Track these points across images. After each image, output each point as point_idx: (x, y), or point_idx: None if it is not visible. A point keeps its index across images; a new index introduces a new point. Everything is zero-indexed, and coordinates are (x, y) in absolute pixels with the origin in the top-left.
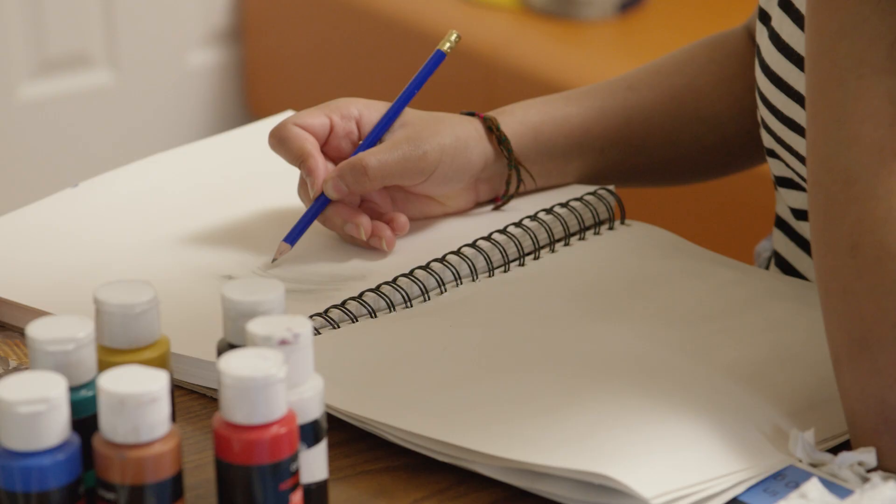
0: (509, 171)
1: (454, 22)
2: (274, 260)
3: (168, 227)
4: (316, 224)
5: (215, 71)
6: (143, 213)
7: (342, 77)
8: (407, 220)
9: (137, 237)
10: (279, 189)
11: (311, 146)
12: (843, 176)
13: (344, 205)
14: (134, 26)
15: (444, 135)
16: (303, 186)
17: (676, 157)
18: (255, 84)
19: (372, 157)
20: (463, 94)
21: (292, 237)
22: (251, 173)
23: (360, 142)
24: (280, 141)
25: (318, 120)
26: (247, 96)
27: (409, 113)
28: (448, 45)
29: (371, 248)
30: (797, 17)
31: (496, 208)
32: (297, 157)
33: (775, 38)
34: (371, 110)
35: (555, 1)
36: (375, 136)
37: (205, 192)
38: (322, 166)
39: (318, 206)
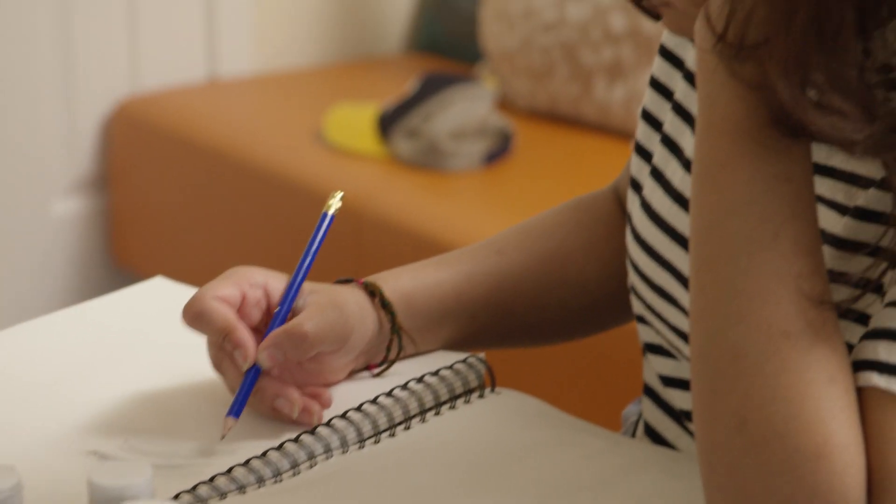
0: (391, 337)
1: (322, 172)
2: (223, 437)
3: (33, 402)
4: (188, 398)
5: (80, 220)
6: (4, 387)
7: (210, 227)
8: (331, 394)
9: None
10: (146, 360)
11: (234, 318)
12: (732, 352)
13: (273, 377)
14: None
15: (350, 302)
16: (225, 359)
17: (545, 319)
18: (120, 234)
19: (308, 322)
20: (331, 246)
21: (235, 410)
22: (119, 344)
23: (275, 310)
24: (198, 316)
25: (231, 290)
26: (112, 246)
27: (307, 284)
28: (334, 206)
29: (296, 423)
30: (668, 189)
31: (376, 375)
32: (220, 330)
33: (647, 207)
34: (275, 279)
35: (422, 152)
36: (290, 304)
37: (71, 363)
38: (250, 337)
39: (253, 377)
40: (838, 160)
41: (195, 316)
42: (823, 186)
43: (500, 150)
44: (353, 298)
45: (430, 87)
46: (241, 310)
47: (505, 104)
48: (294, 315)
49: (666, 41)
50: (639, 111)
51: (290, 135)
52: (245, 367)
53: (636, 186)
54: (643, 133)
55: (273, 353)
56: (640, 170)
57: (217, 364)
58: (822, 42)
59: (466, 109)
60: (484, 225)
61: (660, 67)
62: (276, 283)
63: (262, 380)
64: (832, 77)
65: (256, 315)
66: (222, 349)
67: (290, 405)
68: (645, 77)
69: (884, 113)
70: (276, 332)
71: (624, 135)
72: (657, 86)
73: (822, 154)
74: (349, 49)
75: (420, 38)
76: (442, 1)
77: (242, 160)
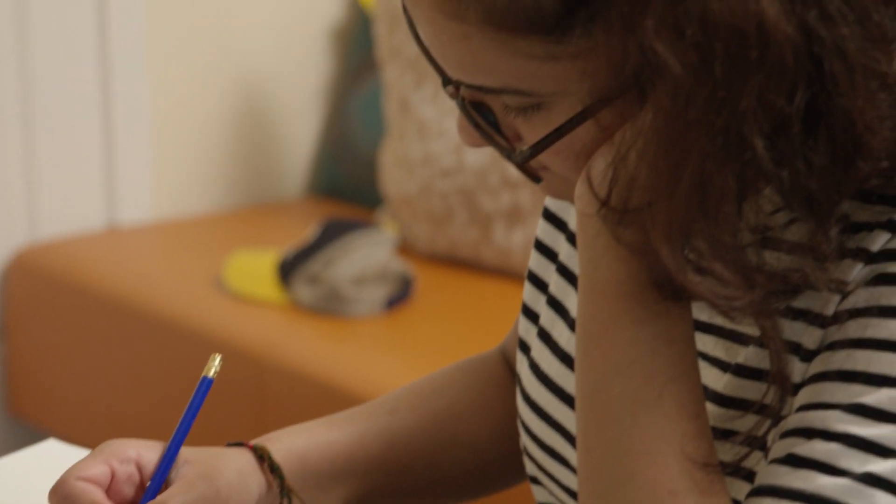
0: (281, 500)
1: (223, 320)
2: None
3: None
4: None
5: None
6: None
7: (109, 378)
8: None
9: None
10: None
11: (101, 498)
12: None
13: None
14: None
15: (228, 470)
16: None
17: (439, 479)
18: (16, 385)
19: (174, 499)
20: (233, 394)
21: None
22: None
23: (148, 483)
24: (64, 499)
25: (98, 469)
26: (7, 397)
27: (186, 450)
28: (214, 370)
29: None
30: (556, 350)
31: None
32: None
33: (535, 369)
34: (148, 451)
35: (323, 298)
36: (161, 477)
37: None
38: None
39: None
40: (719, 318)
41: (61, 499)
42: (705, 343)
43: (401, 296)
44: (234, 465)
45: (331, 233)
46: (111, 487)
47: (405, 249)
48: (168, 487)
49: (549, 204)
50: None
51: (190, 282)
52: None
53: (524, 348)
54: (529, 295)
55: None
56: (528, 331)
57: None
58: (704, 209)
59: (367, 255)
60: (387, 371)
61: (543, 230)
62: (151, 454)
63: None
64: (713, 244)
65: (129, 491)
66: None
67: None
68: None
69: (762, 280)
70: None
71: (522, 278)
72: (541, 248)
73: (703, 311)
74: (250, 194)
75: (320, 183)
76: (342, 146)
77: (142, 309)
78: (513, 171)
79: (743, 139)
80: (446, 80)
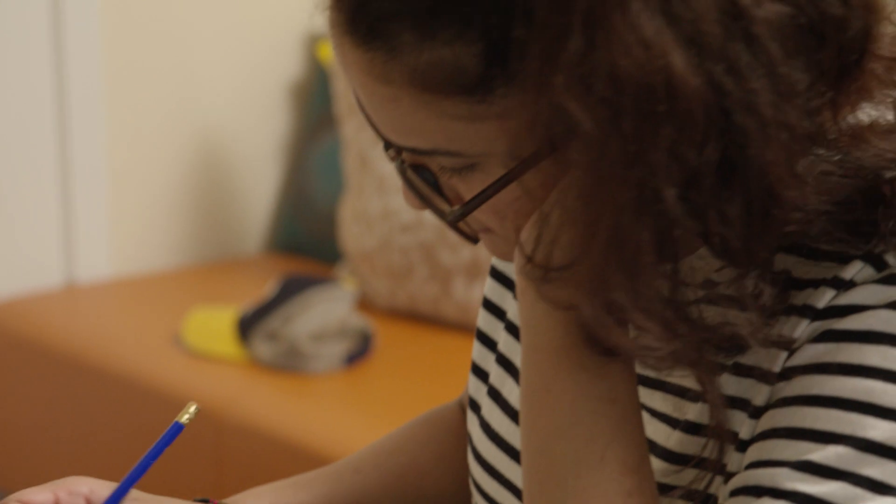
0: None
1: (182, 377)
2: None
3: None
4: None
5: None
6: None
7: (68, 436)
8: None
9: None
10: None
11: None
12: None
13: None
14: None
15: None
16: None
17: None
18: None
19: None
20: (192, 451)
21: None
22: None
23: None
24: None
25: (42, 496)
26: None
27: (137, 492)
28: (187, 416)
29: None
30: (506, 408)
31: None
32: None
33: (486, 427)
34: (102, 488)
35: (282, 355)
36: None
37: None
38: None
39: None
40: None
41: None
42: (654, 399)
43: (360, 352)
44: None
45: (290, 289)
46: None
47: (365, 304)
48: None
49: (496, 262)
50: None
51: (149, 339)
52: None
53: (474, 406)
54: (478, 353)
55: None
56: (478, 389)
57: None
58: (622, 262)
59: (326, 311)
60: (346, 428)
61: (491, 288)
62: (104, 491)
63: None
64: (633, 296)
65: None
66: None
67: None
68: None
69: (685, 331)
70: None
71: None
72: (489, 306)
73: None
74: (208, 250)
75: (279, 239)
76: (301, 201)
77: (101, 366)
78: None
79: (656, 192)
80: (387, 144)
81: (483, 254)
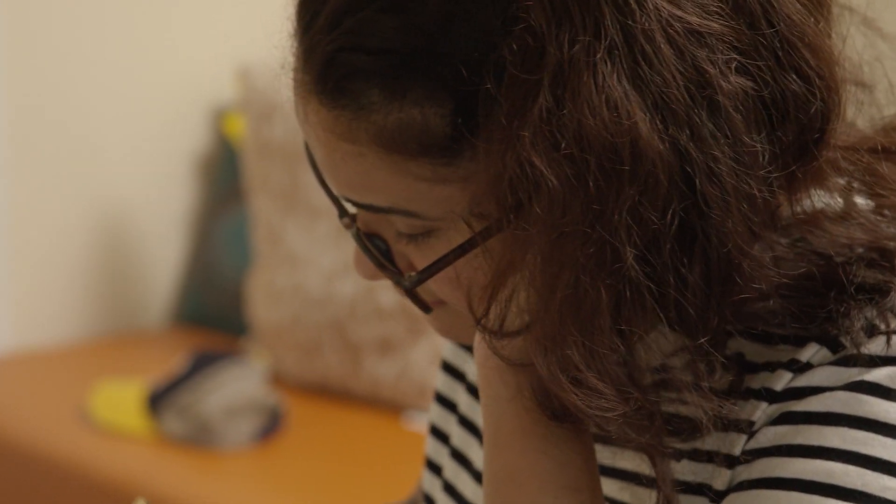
0: None
1: (89, 453)
2: None
3: None
4: None
5: None
6: None
7: None
8: None
9: None
10: None
11: None
12: None
13: None
14: None
15: None
16: None
17: None
18: None
19: None
20: None
21: None
22: None
23: None
24: None
25: None
26: None
27: None
28: None
29: None
30: (461, 502)
31: None
32: None
33: (450, 489)
34: None
35: (192, 431)
36: None
37: None
38: None
39: None
40: (623, 461)
41: None
42: (611, 489)
43: (270, 427)
44: None
45: (201, 364)
46: None
47: (276, 379)
48: None
49: (447, 355)
50: (427, 426)
51: (53, 414)
52: None
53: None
54: (432, 448)
55: None
56: (432, 485)
57: None
58: (578, 321)
59: (237, 387)
60: (258, 502)
61: (443, 382)
62: None
63: None
64: (587, 355)
65: None
66: None
67: None
68: (415, 352)
69: (637, 394)
70: None
71: (394, 409)
72: (441, 400)
73: (605, 455)
74: (113, 322)
75: (185, 311)
76: (207, 274)
77: (4, 443)
78: (384, 302)
79: (615, 252)
80: (342, 213)
81: (394, 330)
